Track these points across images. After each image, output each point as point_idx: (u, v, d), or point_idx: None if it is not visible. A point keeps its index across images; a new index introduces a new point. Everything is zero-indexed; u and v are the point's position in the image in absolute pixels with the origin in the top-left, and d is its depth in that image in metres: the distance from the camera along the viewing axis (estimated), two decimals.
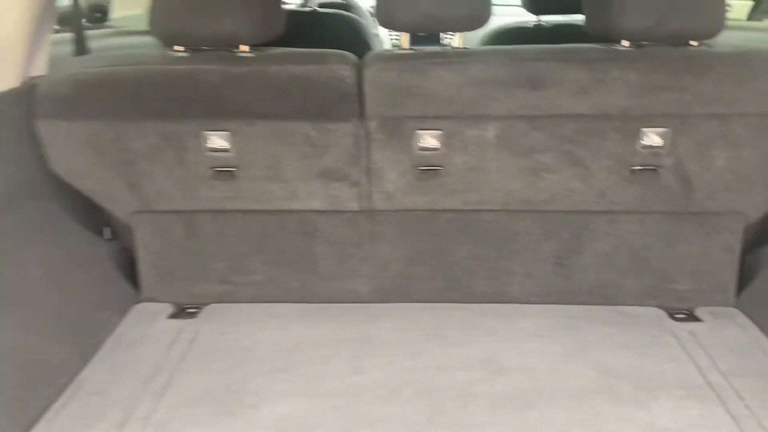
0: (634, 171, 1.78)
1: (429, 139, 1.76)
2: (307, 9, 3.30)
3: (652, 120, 1.71)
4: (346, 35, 3.06)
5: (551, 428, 1.41)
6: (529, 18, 3.13)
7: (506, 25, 3.21)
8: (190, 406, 1.50)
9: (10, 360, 1.47)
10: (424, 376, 1.60)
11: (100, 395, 1.54)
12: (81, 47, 2.11)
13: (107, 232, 2.05)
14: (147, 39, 2.97)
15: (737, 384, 1.54)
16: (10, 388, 1.43)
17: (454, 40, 1.89)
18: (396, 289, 1.94)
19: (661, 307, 1.87)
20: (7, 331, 1.50)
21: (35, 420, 1.44)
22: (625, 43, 1.73)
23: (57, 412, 1.48)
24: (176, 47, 1.77)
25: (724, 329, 1.77)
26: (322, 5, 3.47)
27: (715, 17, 1.68)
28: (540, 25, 3.05)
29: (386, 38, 4.30)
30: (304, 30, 2.17)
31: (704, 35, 1.71)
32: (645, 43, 1.73)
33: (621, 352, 1.68)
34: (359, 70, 1.72)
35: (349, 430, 1.42)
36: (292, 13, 3.31)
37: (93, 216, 1.98)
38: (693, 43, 1.72)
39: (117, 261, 1.98)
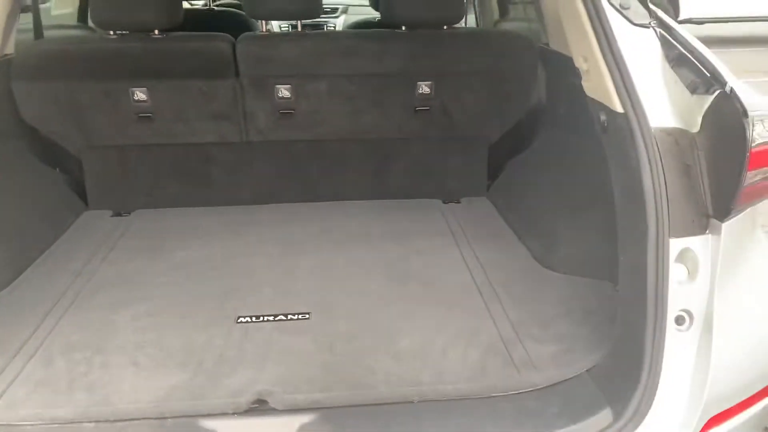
0: (416, 110, 2.79)
1: (284, 91, 2.70)
2: (206, 8, 4.23)
3: (422, 76, 2.72)
4: (236, 26, 4.00)
5: (361, 255, 2.37)
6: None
7: (364, 18, 4.32)
8: (134, 252, 2.40)
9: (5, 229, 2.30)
10: (282, 234, 2.55)
11: (76, 246, 2.42)
12: (39, 32, 2.94)
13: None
14: (76, 31, 3.80)
15: (467, 231, 2.57)
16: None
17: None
18: (268, 195, 2.88)
19: (439, 198, 2.90)
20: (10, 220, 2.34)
21: (23, 268, 2.27)
22: (404, 27, 2.74)
23: (48, 254, 2.34)
24: (110, 32, 2.64)
25: (472, 207, 2.82)
26: (219, 5, 4.40)
27: (457, 11, 2.73)
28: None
29: (276, 29, 5.26)
30: (206, 22, 3.07)
31: (451, 22, 2.74)
32: (414, 27, 2.75)
33: (407, 220, 2.68)
34: (234, 46, 2.65)
35: (223, 262, 2.34)
36: (197, 10, 4.27)
37: (49, 153, 2.80)
38: (445, 27, 2.75)
39: (70, 184, 2.82)
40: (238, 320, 1.94)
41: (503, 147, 2.93)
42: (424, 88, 2.74)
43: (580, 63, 1.79)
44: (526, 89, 2.79)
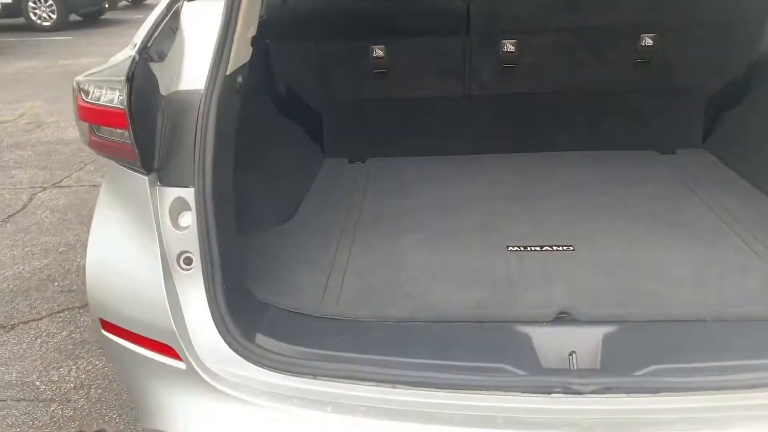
0: (636, 62, 2.87)
1: (509, 46, 2.87)
2: None
3: (646, 29, 2.80)
4: None
5: (598, 199, 2.52)
6: None
7: None
8: (385, 193, 2.68)
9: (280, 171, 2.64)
10: (511, 180, 2.74)
11: (332, 188, 2.73)
12: None
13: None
14: None
15: (696, 179, 2.65)
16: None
17: None
18: (486, 145, 3.07)
19: (655, 149, 2.97)
20: (282, 163, 2.67)
21: (301, 200, 2.60)
22: None
23: (311, 194, 2.67)
24: None
25: (691, 159, 2.87)
26: None
27: None
28: None
29: None
30: None
31: None
32: None
33: (630, 169, 2.79)
34: (467, 3, 2.84)
35: (468, 201, 2.56)
36: None
37: (293, 106, 3.12)
38: None
39: (309, 135, 3.15)
40: (509, 248, 2.15)
41: (720, 98, 2.94)
42: (647, 40, 2.81)
43: None
44: (752, 40, 2.79)
